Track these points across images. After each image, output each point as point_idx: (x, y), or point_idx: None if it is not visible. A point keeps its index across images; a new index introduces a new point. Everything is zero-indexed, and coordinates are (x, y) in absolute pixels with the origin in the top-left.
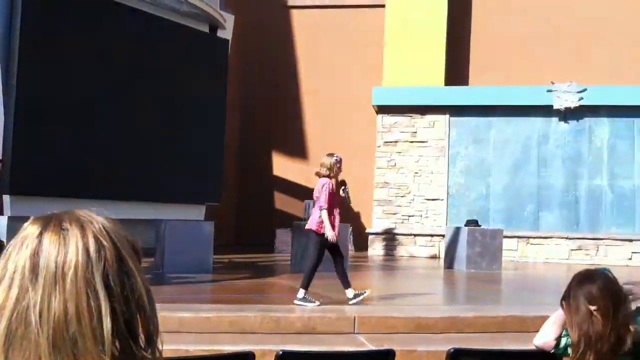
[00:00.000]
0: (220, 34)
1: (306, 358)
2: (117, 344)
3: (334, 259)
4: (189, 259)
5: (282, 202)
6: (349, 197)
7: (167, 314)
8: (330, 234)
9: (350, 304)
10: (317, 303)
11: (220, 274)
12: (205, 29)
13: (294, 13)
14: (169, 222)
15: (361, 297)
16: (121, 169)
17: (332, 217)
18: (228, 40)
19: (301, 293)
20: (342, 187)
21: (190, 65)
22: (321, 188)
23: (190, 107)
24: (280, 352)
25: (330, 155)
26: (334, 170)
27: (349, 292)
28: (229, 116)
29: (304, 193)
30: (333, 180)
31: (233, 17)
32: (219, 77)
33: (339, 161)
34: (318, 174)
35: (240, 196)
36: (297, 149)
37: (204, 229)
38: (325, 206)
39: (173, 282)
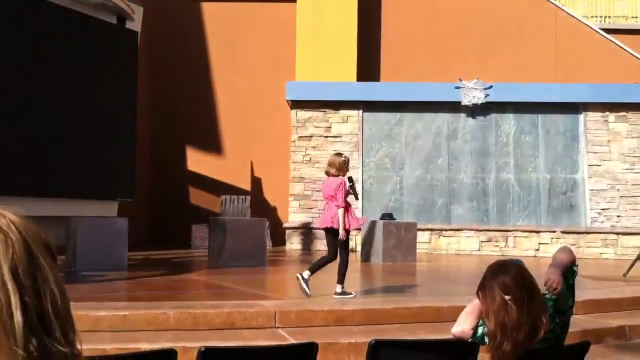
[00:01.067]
0: (129, 25)
1: (228, 354)
2: (32, 339)
3: (339, 252)
4: (102, 257)
5: (198, 197)
6: (356, 192)
7: (81, 313)
8: (341, 233)
9: (334, 297)
10: (353, 294)
11: (136, 271)
12: (113, 20)
13: (204, 5)
14: (81, 218)
15: (347, 296)
16: (28, 164)
17: (349, 212)
18: (137, 32)
19: (339, 288)
20: (350, 184)
21: (99, 58)
22: (337, 187)
23: (99, 101)
24: (203, 349)
25: (338, 155)
26: (343, 169)
27: (339, 287)
28: (141, 110)
29: (220, 188)
30: (345, 178)
31: (142, 8)
32: (128, 70)
33: (347, 161)
34: (328, 174)
35: (154, 192)
36: (212, 144)
37: (117, 225)
38: (343, 204)
39: (87, 280)
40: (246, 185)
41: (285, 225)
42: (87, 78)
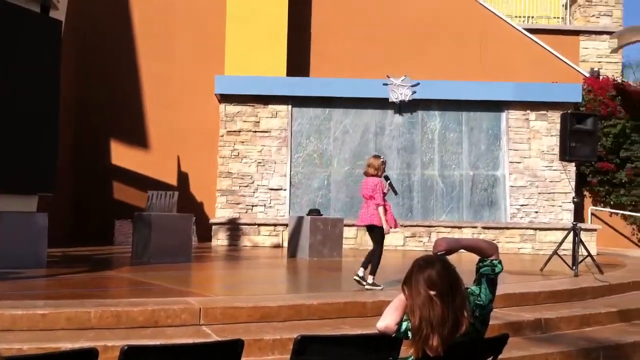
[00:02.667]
0: (53, 15)
1: (152, 352)
2: None
3: (375, 246)
4: (21, 253)
5: (122, 192)
6: (394, 189)
7: None
8: (386, 228)
9: (365, 287)
10: (382, 287)
11: (56, 268)
12: (36, 9)
13: None
14: None
15: (376, 288)
16: None
17: (388, 211)
18: (61, 22)
19: (370, 279)
20: (388, 182)
21: (20, 48)
22: (375, 187)
23: (20, 92)
24: (126, 347)
25: (377, 157)
26: (380, 170)
27: (370, 278)
28: (63, 102)
29: (146, 183)
30: (382, 178)
31: None
32: (51, 60)
33: (384, 162)
34: (366, 174)
35: (76, 186)
36: (137, 137)
37: (37, 220)
38: (382, 203)
39: (3, 278)
40: (173, 181)
41: (211, 221)
42: (6, 68)
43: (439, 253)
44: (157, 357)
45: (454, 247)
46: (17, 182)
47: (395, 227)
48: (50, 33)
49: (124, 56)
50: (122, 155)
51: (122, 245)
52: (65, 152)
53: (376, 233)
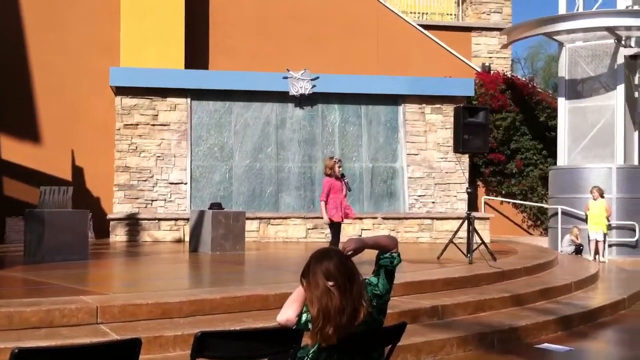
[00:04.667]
0: None
1: (45, 354)
2: None
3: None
4: None
5: (13, 188)
6: (348, 186)
7: None
8: (324, 219)
9: None
10: None
11: None
12: None
13: None
14: None
15: None
16: None
17: (338, 204)
18: None
19: None
20: (345, 180)
21: None
22: (323, 185)
23: None
24: (16, 350)
25: (330, 158)
26: (334, 169)
27: None
28: None
29: (38, 179)
30: (333, 178)
31: None
32: None
33: (336, 162)
34: (324, 174)
35: None
36: (29, 131)
37: None
38: (324, 199)
39: None
40: (67, 175)
41: (109, 216)
42: None
43: (348, 253)
44: (51, 359)
45: (360, 246)
46: None
47: (340, 218)
48: None
49: (11, 47)
50: (11, 149)
51: (14, 244)
52: None
53: (331, 226)
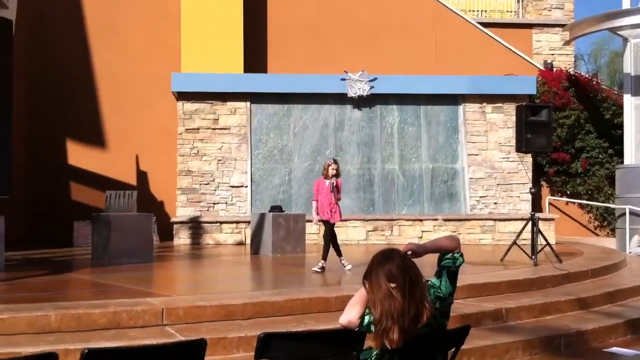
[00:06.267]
0: (3, 14)
1: (114, 355)
2: None
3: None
4: None
5: (80, 193)
6: (333, 187)
7: None
8: (314, 220)
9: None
10: (321, 265)
11: (15, 272)
12: None
13: None
14: None
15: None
16: None
17: (325, 205)
18: (11, 21)
19: (321, 264)
20: (332, 183)
21: None
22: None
23: None
24: (86, 351)
25: (328, 160)
26: (327, 171)
27: (322, 263)
28: (16, 102)
29: (104, 183)
30: (327, 179)
31: None
32: (2, 59)
33: (330, 164)
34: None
35: (32, 188)
36: (94, 136)
37: None
38: (315, 198)
39: None
40: (132, 180)
41: (172, 219)
42: None
43: (407, 254)
44: (118, 359)
45: (420, 251)
46: None
47: (322, 217)
48: (1, 32)
49: (76, 54)
50: (78, 155)
51: (81, 247)
52: (20, 155)
53: (325, 226)
